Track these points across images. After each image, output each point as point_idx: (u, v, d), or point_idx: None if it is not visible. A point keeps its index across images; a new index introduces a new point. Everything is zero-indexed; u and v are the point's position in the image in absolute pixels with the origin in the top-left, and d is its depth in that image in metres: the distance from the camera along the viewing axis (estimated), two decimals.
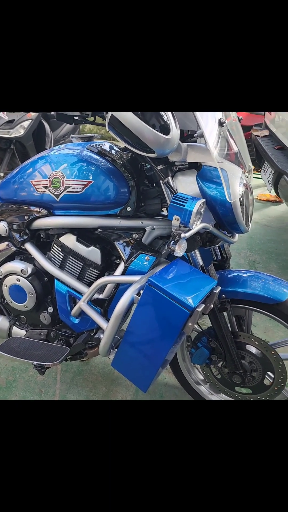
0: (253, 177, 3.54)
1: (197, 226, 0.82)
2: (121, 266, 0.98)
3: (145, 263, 0.94)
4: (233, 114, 1.03)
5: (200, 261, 0.96)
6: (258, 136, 2.47)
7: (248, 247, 2.40)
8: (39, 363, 1.00)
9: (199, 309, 0.78)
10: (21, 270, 1.09)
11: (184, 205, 0.78)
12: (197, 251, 0.95)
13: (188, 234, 0.79)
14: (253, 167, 1.12)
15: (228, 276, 1.05)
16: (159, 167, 0.88)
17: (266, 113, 2.72)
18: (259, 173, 2.57)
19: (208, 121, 0.84)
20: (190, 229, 0.79)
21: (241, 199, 0.91)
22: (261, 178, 2.78)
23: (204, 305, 0.81)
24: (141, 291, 0.82)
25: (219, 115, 0.90)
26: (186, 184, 0.92)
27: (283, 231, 2.63)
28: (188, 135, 0.95)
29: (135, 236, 0.99)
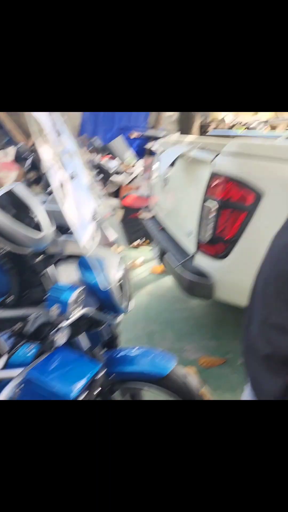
0: (146, 250, 3.85)
1: (76, 313, 0.86)
2: (3, 359, 0.94)
3: (28, 353, 0.92)
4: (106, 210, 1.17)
5: (86, 345, 0.99)
6: (144, 218, 2.76)
7: (145, 319, 2.52)
8: None
9: (81, 397, 0.78)
10: None
11: (60, 296, 0.82)
12: (82, 335, 0.98)
13: (67, 323, 0.82)
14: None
15: (117, 355, 1.09)
16: (38, 259, 0.92)
17: (151, 196, 3.10)
18: (151, 248, 2.83)
19: (78, 215, 0.94)
20: (69, 318, 0.83)
21: (121, 281, 0.99)
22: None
23: (88, 391, 0.82)
24: (22, 385, 0.79)
25: (92, 209, 1.01)
26: (68, 273, 0.98)
27: (176, 300, 2.85)
28: (67, 228, 1.03)
29: (18, 325, 0.97)
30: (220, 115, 7.20)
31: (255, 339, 0.63)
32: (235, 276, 1.59)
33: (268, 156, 1.52)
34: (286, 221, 0.64)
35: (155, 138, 5.54)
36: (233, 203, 1.53)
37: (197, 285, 1.69)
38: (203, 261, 1.72)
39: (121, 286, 1.02)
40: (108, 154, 5.68)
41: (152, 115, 6.73)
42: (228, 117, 6.37)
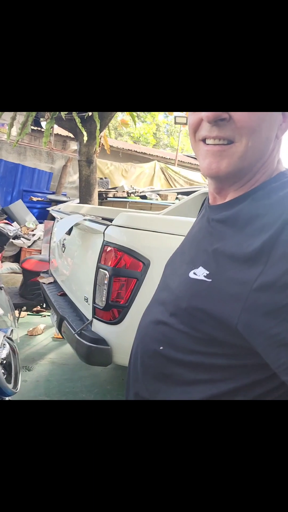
0: (48, 315, 3.71)
1: None
2: None
3: None
4: None
5: None
6: (44, 283, 2.71)
7: (46, 392, 2.35)
8: None
9: None
10: None
11: None
12: None
13: None
14: None
15: None
16: None
17: (51, 261, 3.08)
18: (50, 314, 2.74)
19: None
20: None
21: (4, 362, 0.94)
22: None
23: None
24: None
25: None
26: None
27: (79, 367, 2.75)
28: None
29: None
30: (120, 183, 7.80)
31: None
32: (131, 340, 1.64)
33: (151, 228, 1.70)
34: (151, 301, 0.71)
35: (57, 202, 5.67)
36: (124, 271, 1.63)
37: (95, 352, 1.69)
38: (100, 327, 1.74)
39: (6, 365, 0.97)
40: (6, 217, 5.56)
41: (55, 179, 6.94)
42: (126, 185, 6.95)
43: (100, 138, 4.46)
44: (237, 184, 0.57)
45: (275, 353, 0.44)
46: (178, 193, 5.88)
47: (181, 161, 10.37)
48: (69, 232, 2.29)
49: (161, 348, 0.59)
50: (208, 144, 0.53)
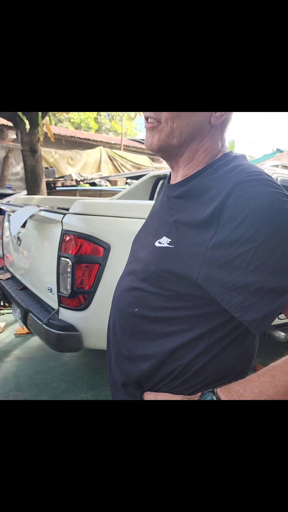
0: (6, 313, 3.62)
1: None
2: None
3: None
4: None
5: None
6: (1, 279, 2.64)
7: (16, 387, 2.34)
8: None
9: None
10: None
11: None
12: None
13: None
14: None
15: None
16: None
17: (5, 257, 3.00)
18: (10, 310, 2.69)
19: None
20: None
21: None
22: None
23: None
24: None
25: None
26: None
27: (47, 359, 2.75)
28: None
29: None
30: (67, 171, 7.62)
31: (114, 370, 0.74)
32: (99, 323, 1.70)
33: (108, 213, 1.74)
34: (122, 274, 0.78)
35: (2, 196, 5.43)
36: (86, 257, 1.66)
37: (65, 339, 1.72)
38: (67, 315, 1.77)
39: None
40: None
41: None
42: (74, 173, 6.82)
43: (43, 126, 4.32)
44: (181, 161, 0.67)
45: (229, 296, 0.55)
46: (127, 178, 5.92)
47: (126, 145, 10.35)
48: (23, 225, 2.25)
49: (136, 310, 0.67)
50: (148, 122, 0.65)
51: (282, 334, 2.18)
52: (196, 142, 0.65)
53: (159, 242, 0.65)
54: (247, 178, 0.56)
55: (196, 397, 0.60)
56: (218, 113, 0.63)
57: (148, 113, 0.64)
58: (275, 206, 0.53)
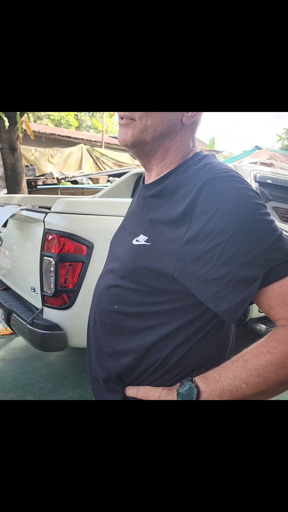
0: None
1: None
2: None
3: None
4: None
5: None
6: None
7: (1, 388, 2.31)
8: None
9: None
10: None
11: None
12: None
13: None
14: None
15: None
16: None
17: None
18: None
19: None
20: None
21: None
22: None
23: None
24: None
25: None
26: None
27: (32, 359, 2.73)
28: None
29: None
30: (48, 169, 7.52)
31: (95, 368, 0.75)
32: (84, 322, 1.69)
33: (91, 212, 1.74)
34: (101, 272, 0.79)
35: None
36: (69, 256, 1.66)
37: (50, 338, 1.72)
38: (51, 314, 1.76)
39: None
40: None
41: None
42: (55, 172, 6.73)
43: (22, 123, 4.25)
44: (154, 159, 0.69)
45: (203, 289, 0.57)
46: (109, 176, 5.90)
47: (108, 143, 10.30)
48: (4, 225, 2.22)
49: (115, 307, 0.69)
50: (122, 119, 0.66)
51: (263, 327, 2.24)
52: (168, 139, 0.67)
53: (137, 240, 0.66)
54: (216, 175, 0.59)
55: (175, 387, 0.61)
56: (190, 113, 0.65)
57: (122, 112, 0.65)
58: (242, 201, 0.56)
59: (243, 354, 0.56)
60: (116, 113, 0.67)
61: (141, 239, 0.66)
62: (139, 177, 3.28)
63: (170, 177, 0.66)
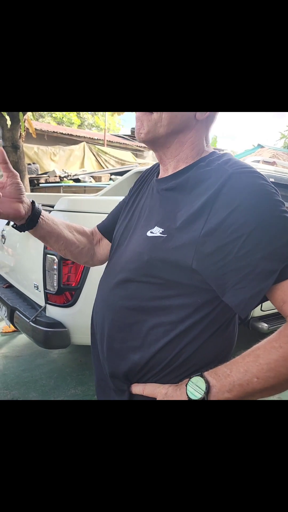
0: None
1: None
2: None
3: None
4: None
5: None
6: None
7: (4, 386, 2.33)
8: None
9: None
10: None
11: None
12: None
13: None
14: None
15: None
16: None
17: None
18: None
19: None
20: None
21: None
22: None
23: None
24: None
25: None
26: None
27: (34, 357, 2.75)
28: None
29: None
30: (50, 167, 7.53)
31: (103, 364, 0.75)
32: (87, 319, 1.70)
33: (94, 210, 1.75)
34: (107, 265, 0.80)
35: None
36: None
37: (53, 336, 1.73)
38: (54, 312, 1.77)
39: None
40: None
41: None
42: (57, 170, 6.74)
43: (24, 121, 4.26)
44: (169, 152, 0.70)
45: (221, 279, 0.58)
46: (111, 174, 5.90)
47: (110, 141, 10.29)
48: (8, 222, 2.23)
49: (126, 302, 0.69)
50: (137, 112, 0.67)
51: (265, 326, 2.24)
52: (183, 134, 0.68)
53: (151, 232, 0.67)
54: (241, 169, 0.60)
55: (184, 383, 0.62)
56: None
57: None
58: (265, 197, 0.57)
59: (254, 349, 0.56)
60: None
61: (156, 231, 0.66)
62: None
63: (189, 171, 0.67)
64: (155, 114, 0.64)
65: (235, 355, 0.61)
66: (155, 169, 0.83)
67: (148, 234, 0.67)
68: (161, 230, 0.65)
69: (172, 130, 0.66)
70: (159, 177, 0.75)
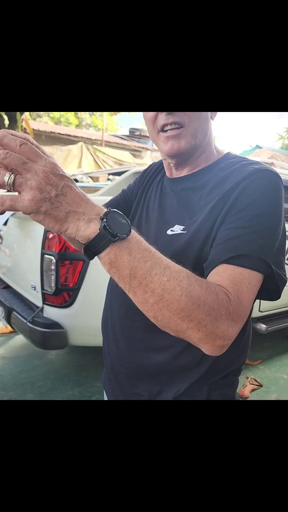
0: None
1: None
2: None
3: None
4: None
5: None
6: None
7: (0, 387, 2.32)
8: None
9: None
10: None
11: None
12: None
13: None
14: None
15: None
16: None
17: None
18: None
19: None
20: None
21: None
22: None
23: None
24: None
25: None
26: None
27: (32, 358, 2.73)
28: None
29: None
30: None
31: (122, 358, 0.73)
32: (84, 320, 1.70)
33: None
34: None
35: None
36: (70, 254, 1.66)
37: (50, 337, 1.72)
38: (52, 312, 1.76)
39: None
40: None
41: None
42: None
43: (22, 121, 4.24)
44: (191, 158, 0.70)
45: (225, 243, 0.57)
46: (109, 174, 5.89)
47: (108, 141, 10.28)
48: (5, 223, 2.22)
49: None
50: (167, 130, 0.65)
51: (263, 326, 2.24)
52: (205, 138, 0.69)
53: (172, 230, 0.67)
54: (265, 168, 0.62)
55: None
56: None
57: (166, 120, 0.64)
58: (275, 198, 0.60)
59: (182, 267, 0.52)
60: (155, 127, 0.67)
61: (177, 229, 0.66)
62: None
63: (212, 172, 0.68)
64: (190, 128, 0.64)
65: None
66: (159, 168, 0.83)
67: (169, 232, 0.67)
68: (181, 227, 0.66)
69: (204, 135, 0.68)
70: (172, 176, 0.75)
